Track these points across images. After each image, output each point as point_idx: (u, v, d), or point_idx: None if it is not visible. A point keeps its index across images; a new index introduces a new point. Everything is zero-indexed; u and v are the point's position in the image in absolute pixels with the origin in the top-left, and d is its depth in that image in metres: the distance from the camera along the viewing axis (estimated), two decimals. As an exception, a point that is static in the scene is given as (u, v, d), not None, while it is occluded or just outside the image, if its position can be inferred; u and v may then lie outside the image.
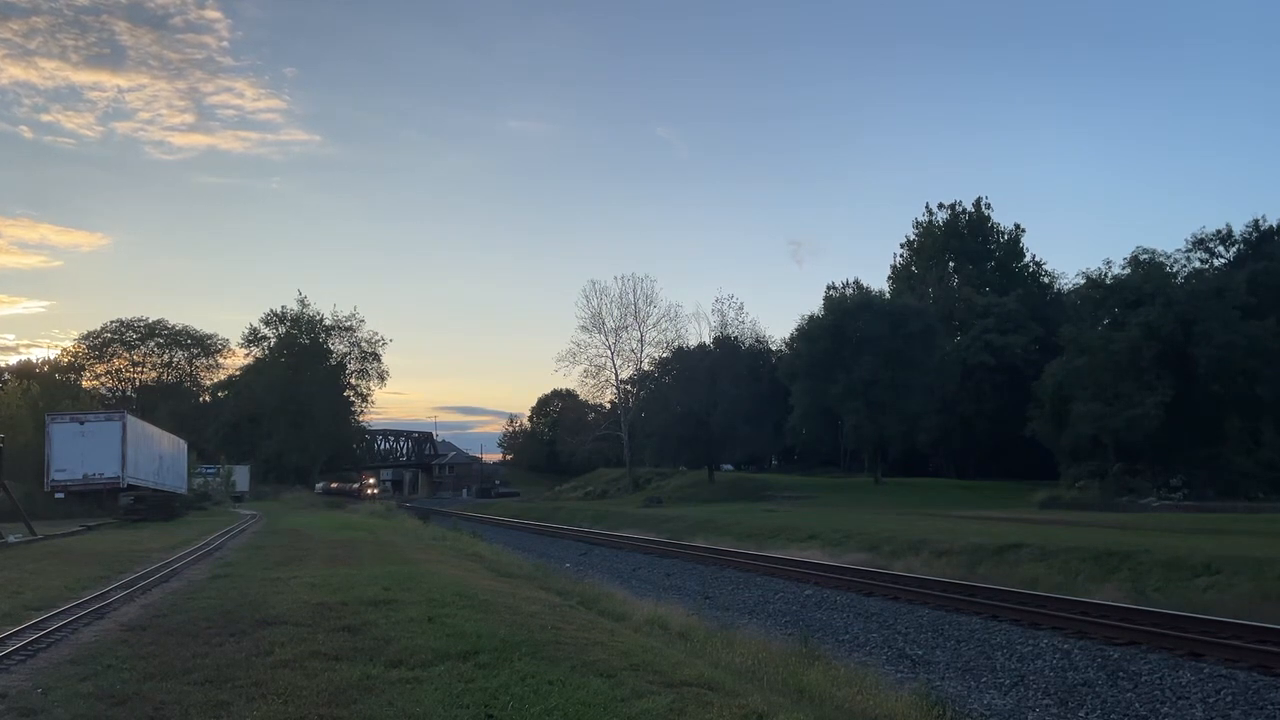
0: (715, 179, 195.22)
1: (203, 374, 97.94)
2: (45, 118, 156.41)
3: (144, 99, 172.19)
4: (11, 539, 23.33)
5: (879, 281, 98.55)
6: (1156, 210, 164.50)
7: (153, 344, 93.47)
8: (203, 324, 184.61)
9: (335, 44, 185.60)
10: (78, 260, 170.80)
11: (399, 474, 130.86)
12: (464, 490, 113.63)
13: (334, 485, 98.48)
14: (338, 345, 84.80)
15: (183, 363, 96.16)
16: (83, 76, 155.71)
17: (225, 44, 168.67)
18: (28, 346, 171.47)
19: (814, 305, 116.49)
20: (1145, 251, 54.18)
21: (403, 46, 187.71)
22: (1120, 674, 11.78)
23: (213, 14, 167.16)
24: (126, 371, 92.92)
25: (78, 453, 35.89)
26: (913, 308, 69.62)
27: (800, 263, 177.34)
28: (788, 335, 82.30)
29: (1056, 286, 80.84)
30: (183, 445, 53.51)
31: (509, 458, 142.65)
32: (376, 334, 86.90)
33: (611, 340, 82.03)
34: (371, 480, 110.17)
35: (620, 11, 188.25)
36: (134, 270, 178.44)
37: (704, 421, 71.25)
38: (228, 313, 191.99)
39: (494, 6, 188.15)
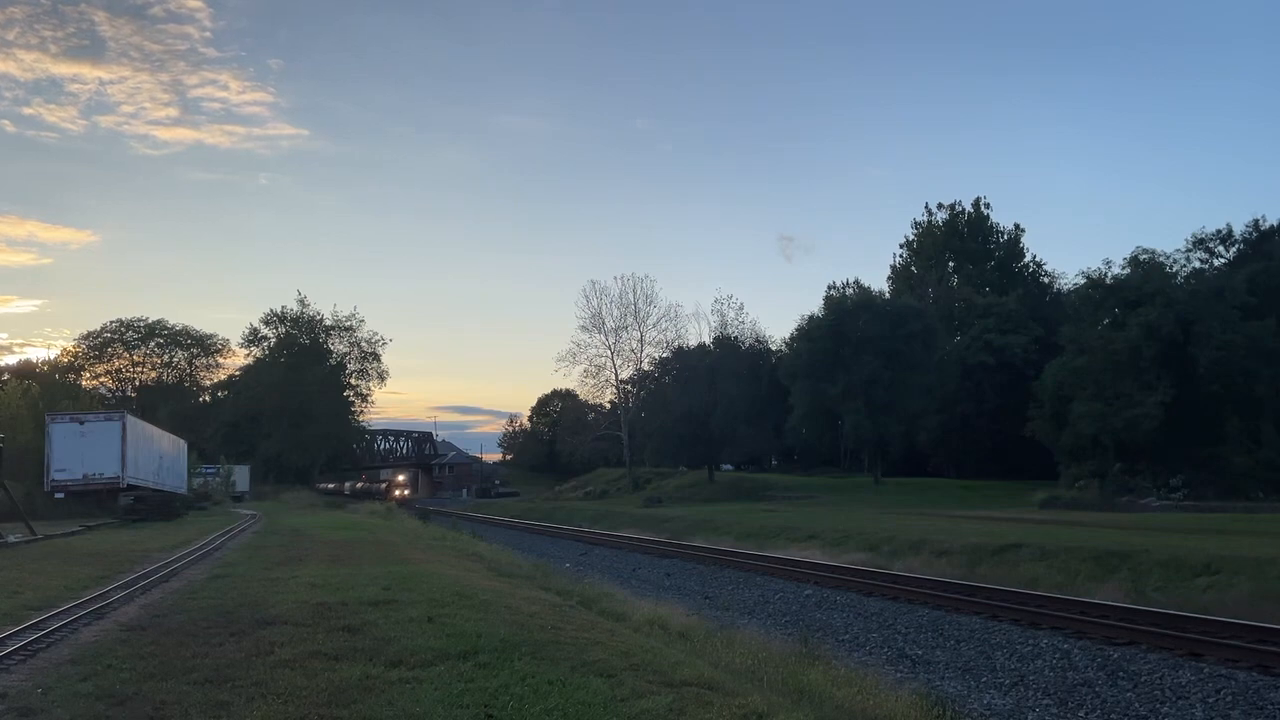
0: (715, 178, 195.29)
1: (203, 374, 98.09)
2: (27, 111, 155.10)
3: (126, 91, 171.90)
4: (11, 539, 23.31)
5: (879, 281, 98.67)
6: (1156, 210, 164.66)
7: (153, 344, 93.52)
8: (197, 321, 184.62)
9: (321, 35, 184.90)
10: (67, 257, 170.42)
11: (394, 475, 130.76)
12: (464, 490, 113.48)
13: (359, 485, 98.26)
14: (338, 345, 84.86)
15: (183, 363, 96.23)
16: (63, 68, 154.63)
17: (208, 34, 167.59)
18: (21, 345, 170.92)
19: (814, 305, 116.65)
20: (1145, 251, 54.25)
21: (391, 38, 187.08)
22: (1120, 674, 11.79)
23: (194, 3, 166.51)
24: (126, 371, 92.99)
25: (78, 453, 35.86)
26: (913, 308, 69.63)
27: (789, 258, 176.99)
28: (788, 335, 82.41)
29: (1056, 286, 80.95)
30: (183, 445, 53.51)
31: (509, 458, 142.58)
32: (376, 334, 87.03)
33: (611, 340, 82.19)
34: (402, 478, 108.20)
35: (615, 6, 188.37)
36: (125, 268, 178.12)
37: (704, 421, 71.23)
38: (222, 310, 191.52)
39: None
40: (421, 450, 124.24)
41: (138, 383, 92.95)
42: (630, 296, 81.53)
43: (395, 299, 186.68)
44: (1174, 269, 54.95)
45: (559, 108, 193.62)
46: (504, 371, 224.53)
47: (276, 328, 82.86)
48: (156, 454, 43.74)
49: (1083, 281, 57.84)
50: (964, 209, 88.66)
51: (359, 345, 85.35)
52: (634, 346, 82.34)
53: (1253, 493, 44.76)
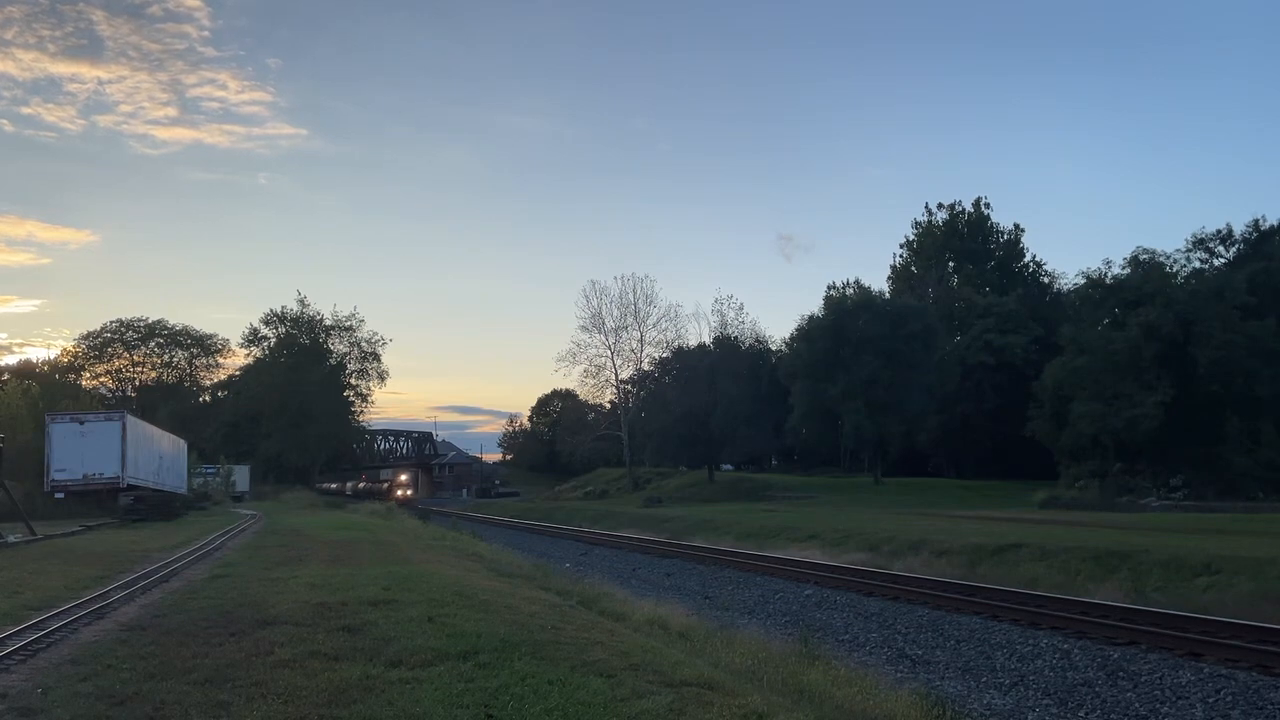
0: (715, 178, 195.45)
1: (203, 374, 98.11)
2: (25, 110, 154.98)
3: (125, 91, 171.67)
4: (11, 539, 23.31)
5: (879, 281, 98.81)
6: (1156, 210, 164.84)
7: (153, 344, 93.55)
8: (196, 321, 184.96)
9: (320, 34, 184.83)
10: (66, 257, 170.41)
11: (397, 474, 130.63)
12: (464, 490, 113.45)
13: (361, 485, 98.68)
14: (338, 345, 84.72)
15: (183, 363, 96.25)
16: (61, 68, 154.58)
17: (206, 34, 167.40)
18: (20, 345, 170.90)
19: (814, 305, 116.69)
20: (1145, 251, 54.26)
21: (390, 38, 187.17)
22: (1120, 674, 11.79)
23: (192, 2, 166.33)
24: (126, 371, 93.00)
25: (78, 453, 35.86)
26: (913, 308, 69.64)
27: (788, 258, 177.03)
28: (788, 335, 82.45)
29: (1056, 286, 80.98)
30: (183, 445, 53.50)
31: (509, 458, 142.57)
32: (376, 334, 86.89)
33: (611, 340, 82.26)
34: (404, 478, 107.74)
35: (615, 6, 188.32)
36: (125, 268, 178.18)
37: (704, 421, 71.23)
38: (222, 310, 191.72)
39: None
40: (421, 450, 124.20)
41: (138, 383, 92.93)
42: (630, 296, 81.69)
43: (395, 299, 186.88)
44: (1174, 269, 54.98)
45: (559, 108, 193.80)
46: (504, 371, 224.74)
47: (276, 328, 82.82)
48: (156, 454, 43.73)
49: (1083, 281, 57.94)
50: (964, 209, 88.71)
51: (359, 345, 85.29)
52: (634, 346, 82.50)
53: (1253, 493, 44.76)
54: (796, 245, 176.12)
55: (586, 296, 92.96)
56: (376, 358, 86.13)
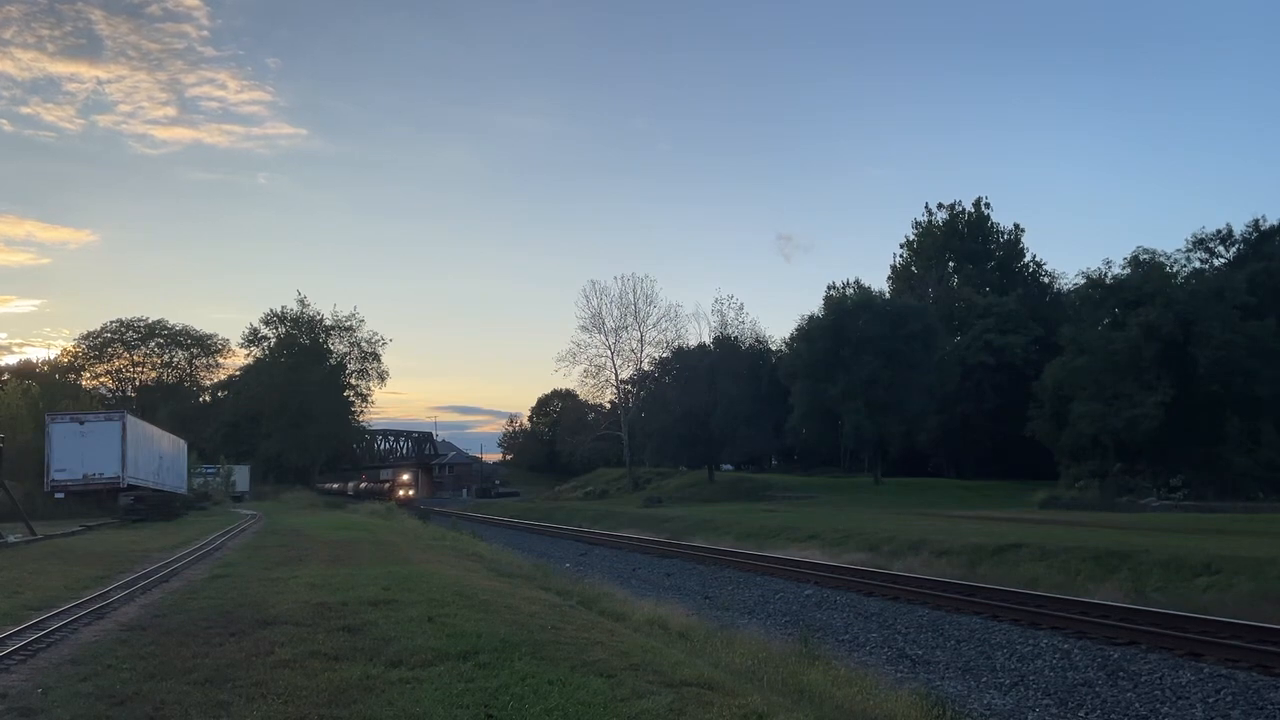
0: (715, 178, 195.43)
1: (203, 374, 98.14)
2: (25, 110, 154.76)
3: (124, 90, 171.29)
4: (11, 539, 23.30)
5: (879, 281, 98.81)
6: (1156, 210, 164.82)
7: (153, 344, 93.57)
8: (197, 321, 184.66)
9: (319, 34, 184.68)
10: (66, 257, 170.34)
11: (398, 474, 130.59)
12: (464, 490, 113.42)
13: (362, 485, 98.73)
14: (338, 345, 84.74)
15: (183, 363, 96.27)
16: (60, 67, 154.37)
17: (205, 33, 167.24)
18: (20, 345, 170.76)
19: (814, 305, 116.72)
20: (1145, 251, 54.27)
21: (390, 38, 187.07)
22: (1120, 674, 11.79)
23: (191, 1, 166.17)
24: (126, 371, 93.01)
25: (78, 453, 35.87)
26: (913, 308, 69.64)
27: (788, 258, 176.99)
28: (788, 335, 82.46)
29: (1056, 286, 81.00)
30: (183, 445, 53.50)
31: (509, 458, 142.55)
32: (376, 334, 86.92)
33: (611, 340, 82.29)
34: (405, 477, 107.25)
35: (615, 6, 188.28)
36: (125, 268, 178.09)
37: (704, 421, 71.24)
38: (222, 310, 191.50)
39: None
40: (421, 450, 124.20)
41: (138, 383, 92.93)
42: (630, 296, 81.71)
43: (395, 299, 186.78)
44: (1174, 269, 54.99)
45: (559, 108, 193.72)
46: (504, 371, 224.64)
47: (276, 328, 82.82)
48: (156, 454, 43.73)
49: (1083, 281, 57.95)
50: (964, 209, 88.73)
51: (359, 345, 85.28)
52: (634, 346, 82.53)
53: (1253, 493, 44.76)
54: (796, 245, 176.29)
55: (586, 296, 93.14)
56: (376, 358, 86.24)
